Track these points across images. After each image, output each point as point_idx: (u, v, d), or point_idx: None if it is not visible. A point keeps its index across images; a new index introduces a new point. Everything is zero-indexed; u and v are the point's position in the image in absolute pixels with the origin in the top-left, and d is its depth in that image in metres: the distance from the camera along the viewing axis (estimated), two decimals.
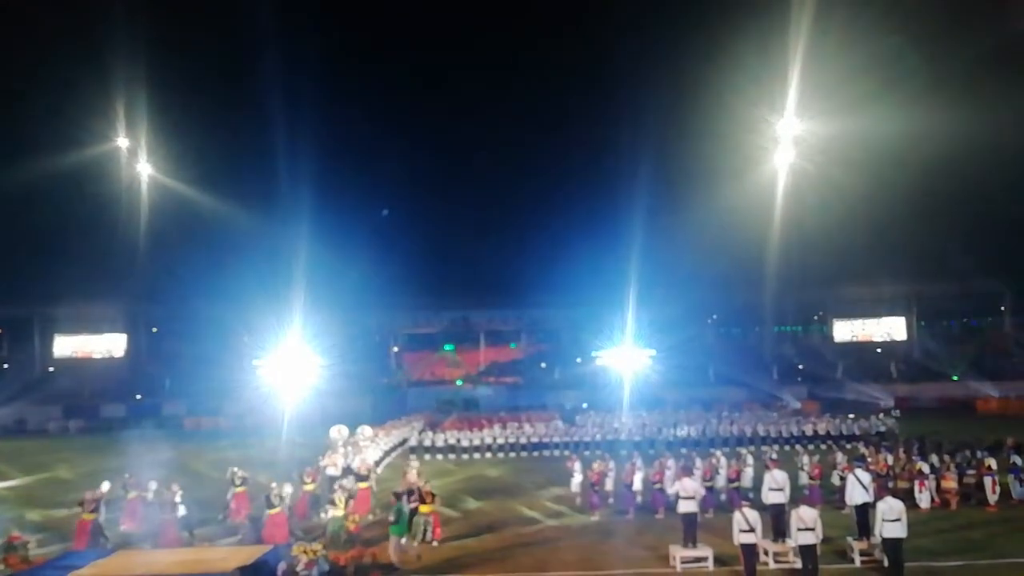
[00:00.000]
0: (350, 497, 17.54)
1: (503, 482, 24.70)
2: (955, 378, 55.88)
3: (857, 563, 13.65)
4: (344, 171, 64.79)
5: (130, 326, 69.74)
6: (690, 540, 14.09)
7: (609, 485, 19.38)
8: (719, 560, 13.69)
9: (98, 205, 56.96)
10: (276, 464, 24.02)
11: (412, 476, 18.63)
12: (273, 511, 15.85)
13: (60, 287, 59.16)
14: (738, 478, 18.91)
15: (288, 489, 17.85)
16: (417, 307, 69.74)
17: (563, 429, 33.63)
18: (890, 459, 20.06)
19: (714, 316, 72.29)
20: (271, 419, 39.42)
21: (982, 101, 42.88)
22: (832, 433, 31.53)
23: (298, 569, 12.76)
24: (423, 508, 16.17)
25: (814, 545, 12.27)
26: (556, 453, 30.82)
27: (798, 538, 12.33)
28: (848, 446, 28.31)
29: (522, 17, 66.96)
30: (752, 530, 12.28)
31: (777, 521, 14.43)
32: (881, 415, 34.61)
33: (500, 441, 32.04)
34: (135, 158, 59.18)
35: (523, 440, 32.13)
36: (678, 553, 13.85)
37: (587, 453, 27.70)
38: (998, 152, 46.31)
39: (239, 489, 18.35)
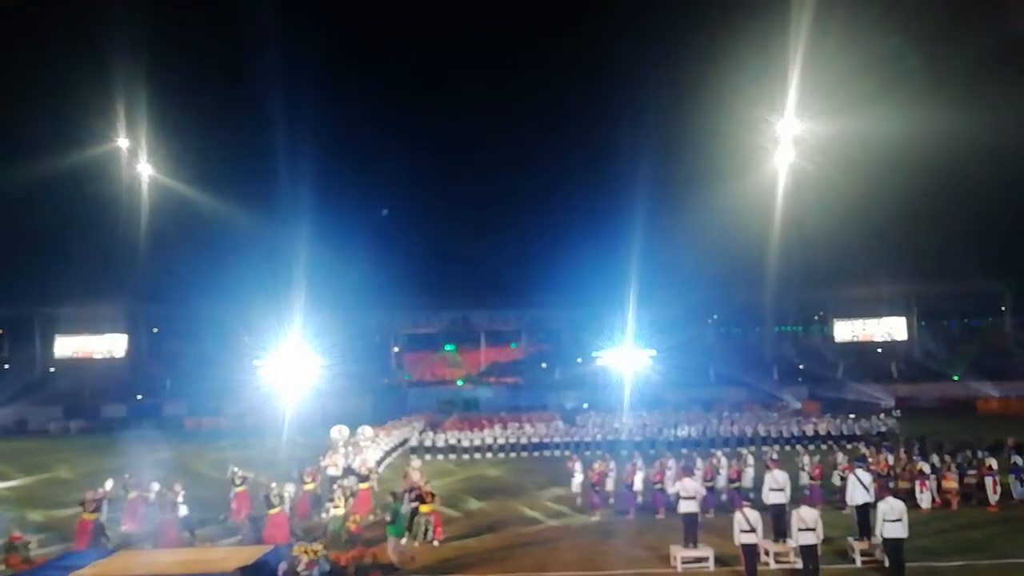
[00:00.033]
0: (351, 495, 17.55)
1: (504, 482, 24.70)
2: (956, 378, 55.86)
3: (858, 563, 13.64)
4: (344, 171, 64.94)
5: (131, 326, 69.77)
6: (691, 540, 14.09)
7: (610, 485, 19.36)
8: (720, 560, 13.68)
9: (99, 205, 57.03)
10: (276, 464, 24.02)
11: (415, 476, 18.65)
12: (273, 511, 15.85)
13: (61, 287, 59.21)
14: (739, 478, 18.90)
15: (289, 489, 17.87)
16: (417, 307, 69.77)
17: (564, 429, 33.63)
18: (891, 459, 20.05)
19: (714, 316, 72.31)
20: (272, 419, 39.43)
21: (982, 101, 42.91)
22: (833, 433, 31.53)
23: (299, 569, 12.76)
24: (423, 508, 16.18)
25: (815, 545, 12.27)
26: (557, 453, 30.82)
27: (799, 538, 12.33)
28: (849, 446, 28.35)
29: (522, 17, 67.06)
30: (753, 530, 12.28)
31: (778, 521, 14.43)
32: (882, 415, 34.60)
33: (501, 441, 32.04)
34: (135, 158, 59.23)
35: (524, 440, 32.14)
36: (679, 553, 13.84)
37: (588, 453, 27.69)
38: (998, 152, 46.33)
39: (239, 489, 18.36)
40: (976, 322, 69.83)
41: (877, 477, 16.59)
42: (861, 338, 68.88)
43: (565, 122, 69.36)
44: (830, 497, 18.76)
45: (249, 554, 13.31)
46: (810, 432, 31.56)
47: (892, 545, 12.36)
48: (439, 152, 76.44)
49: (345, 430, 28.38)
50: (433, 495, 16.58)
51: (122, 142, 57.91)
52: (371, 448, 25.67)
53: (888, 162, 46.99)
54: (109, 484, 18.32)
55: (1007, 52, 44.05)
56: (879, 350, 66.61)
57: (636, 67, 60.30)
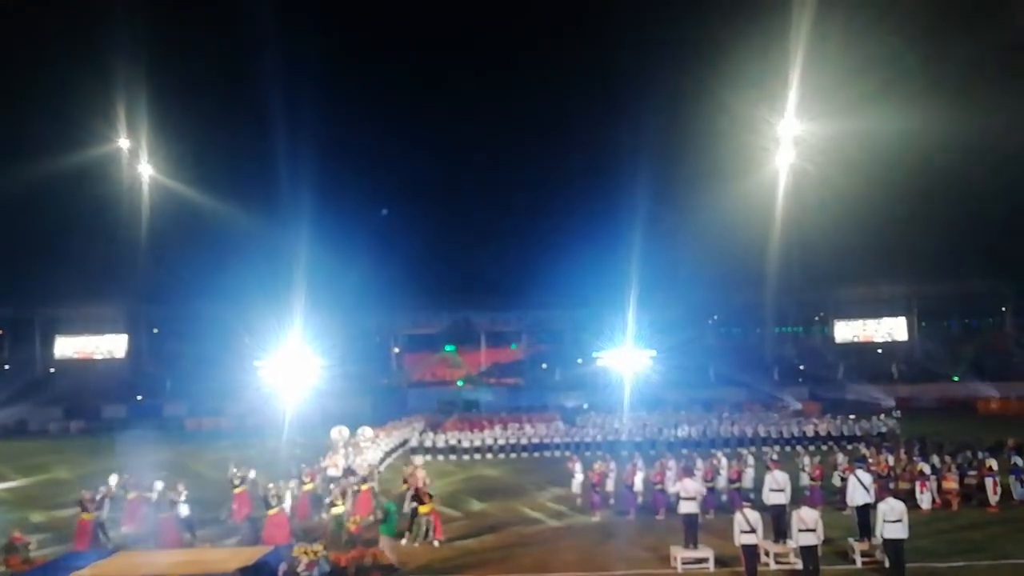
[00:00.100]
0: (355, 493, 17.54)
1: (504, 483, 24.70)
2: (956, 379, 55.81)
3: (858, 564, 13.64)
4: (345, 172, 64.88)
5: (131, 327, 69.78)
6: (691, 541, 14.09)
7: (610, 486, 19.36)
8: (720, 561, 13.68)
9: (99, 206, 57.06)
10: (276, 464, 24.01)
11: (420, 474, 18.72)
12: (272, 511, 15.85)
13: (61, 288, 59.24)
14: (739, 479, 18.90)
15: (292, 485, 17.91)
16: (418, 308, 69.74)
17: (564, 430, 33.61)
18: (891, 460, 20.04)
19: (715, 317, 72.29)
20: (272, 420, 39.43)
21: (981, 102, 42.92)
22: (833, 434, 31.51)
23: (299, 570, 12.77)
24: (422, 509, 16.19)
25: (815, 546, 12.27)
26: (557, 454, 30.80)
27: (799, 539, 12.33)
28: (849, 447, 28.30)
29: (522, 17, 67.04)
30: (753, 531, 12.27)
31: (778, 522, 14.43)
32: (882, 416, 34.56)
33: (501, 442, 32.03)
34: (136, 159, 59.26)
35: (524, 441, 32.13)
36: (679, 554, 13.84)
37: (588, 454, 27.67)
38: (998, 152, 46.32)
39: (239, 490, 18.35)
40: (976, 322, 69.80)
41: (877, 478, 16.59)
42: (861, 339, 68.87)
43: (565, 123, 69.34)
44: (830, 498, 18.74)
45: (249, 555, 13.32)
46: (810, 433, 31.53)
47: (892, 546, 12.35)
48: (439, 152, 76.44)
49: (345, 431, 28.39)
50: (431, 495, 16.59)
51: (123, 143, 57.95)
52: (371, 449, 25.70)
53: (888, 163, 47.01)
54: (113, 480, 18.35)
55: (1007, 52, 44.09)
56: (879, 351, 66.59)
57: (637, 68, 60.28)
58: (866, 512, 14.33)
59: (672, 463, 19.30)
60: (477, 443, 31.82)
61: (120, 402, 58.63)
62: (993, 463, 18.71)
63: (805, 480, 19.61)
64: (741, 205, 53.00)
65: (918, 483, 18.26)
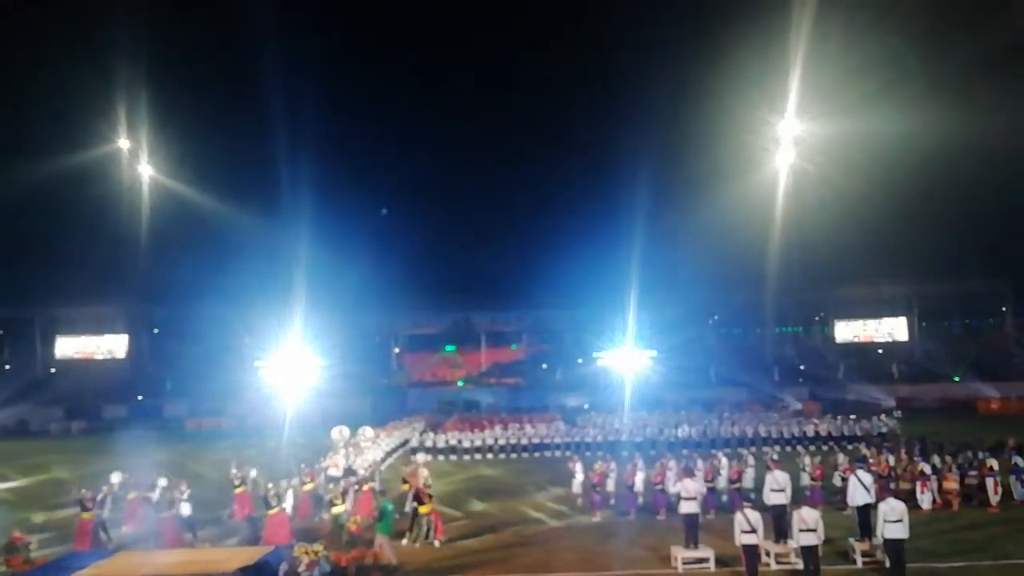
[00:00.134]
0: (356, 492, 17.54)
1: (504, 483, 24.70)
2: (956, 379, 55.77)
3: (859, 564, 13.64)
4: (345, 172, 64.93)
5: (132, 327, 69.76)
6: (692, 541, 14.10)
7: (610, 486, 19.37)
8: (720, 561, 13.69)
9: (99, 206, 57.04)
10: (277, 464, 24.02)
11: (424, 473, 18.77)
12: (272, 511, 15.85)
13: (62, 288, 59.24)
14: (739, 479, 18.89)
15: (291, 487, 17.91)
16: (418, 308, 69.72)
17: (564, 430, 33.61)
18: (892, 460, 20.04)
19: (715, 317, 72.25)
20: (272, 420, 39.43)
21: (981, 102, 42.91)
22: (833, 434, 31.50)
23: (299, 570, 12.77)
24: (422, 509, 16.20)
25: (816, 546, 12.28)
26: (557, 454, 30.80)
27: (800, 539, 12.34)
28: (850, 447, 28.29)
29: (522, 18, 67.06)
30: (754, 531, 12.28)
31: (779, 522, 14.43)
32: (882, 416, 34.55)
33: (501, 442, 32.04)
34: (136, 159, 59.30)
35: (524, 441, 32.14)
36: (680, 554, 13.85)
37: (588, 454, 27.67)
38: (998, 152, 46.29)
39: (239, 490, 18.35)
40: (977, 323, 69.79)
41: (878, 478, 16.59)
42: (862, 339, 68.83)
43: (565, 123, 69.34)
44: (831, 498, 18.74)
45: (250, 555, 13.32)
46: (811, 433, 31.52)
47: (893, 546, 12.36)
48: (439, 152, 76.46)
49: (346, 431, 28.40)
50: (430, 495, 16.60)
51: (123, 143, 58.02)
52: (372, 449, 25.70)
53: (888, 163, 47.01)
54: (116, 477, 18.35)
55: (1007, 52, 44.09)
56: (880, 351, 66.56)
57: (637, 68, 60.31)
58: (867, 512, 14.34)
59: (672, 463, 19.30)
60: (477, 443, 31.83)
61: (121, 402, 58.61)
62: (994, 463, 18.71)
63: (806, 480, 19.62)
64: (741, 205, 53.02)
65: (919, 483, 18.26)
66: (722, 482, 19.08)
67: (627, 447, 28.50)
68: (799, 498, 15.27)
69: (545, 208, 73.73)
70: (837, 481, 19.24)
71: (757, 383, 54.56)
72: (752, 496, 17.83)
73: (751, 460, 20.21)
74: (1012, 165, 47.73)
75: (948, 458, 19.73)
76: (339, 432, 28.16)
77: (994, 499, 18.11)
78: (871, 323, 68.87)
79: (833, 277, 62.58)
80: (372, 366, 66.75)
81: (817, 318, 72.27)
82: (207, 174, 57.72)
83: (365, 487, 18.74)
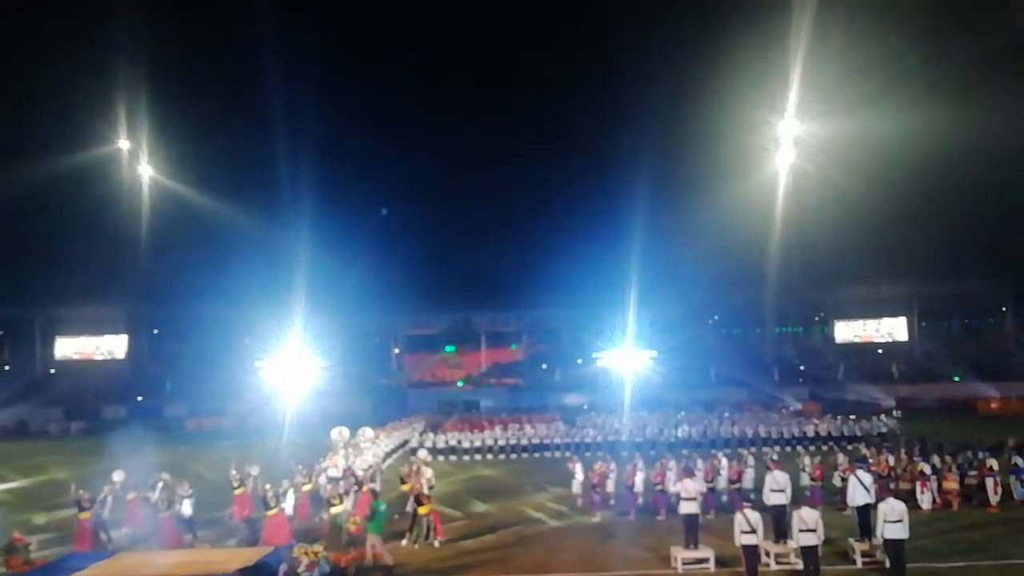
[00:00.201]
0: (356, 493, 17.53)
1: (504, 483, 24.70)
2: (956, 379, 55.79)
3: (859, 564, 13.63)
4: (345, 173, 64.88)
5: (131, 327, 69.78)
6: (691, 541, 14.09)
7: (610, 486, 19.36)
8: (720, 561, 13.68)
9: (99, 207, 57.05)
10: (277, 465, 24.00)
11: (428, 473, 18.78)
12: (271, 512, 15.84)
13: (62, 288, 59.26)
14: (739, 479, 18.88)
15: (292, 487, 17.89)
16: (418, 308, 69.75)
17: (564, 430, 33.60)
18: (891, 460, 20.03)
19: (715, 317, 72.28)
20: (272, 420, 39.42)
21: (981, 102, 42.92)
22: (833, 434, 31.50)
23: (299, 570, 12.76)
24: (421, 510, 16.20)
25: (815, 546, 12.27)
26: (557, 454, 30.77)
27: (799, 539, 12.33)
28: (849, 447, 28.29)
29: (523, 18, 67.07)
30: (753, 531, 12.27)
31: (778, 522, 14.42)
32: (882, 416, 34.56)
33: (501, 443, 32.04)
34: (136, 160, 59.29)
35: (524, 441, 32.13)
36: (679, 554, 13.84)
37: (588, 454, 27.65)
38: (998, 152, 46.30)
39: (239, 490, 18.32)
40: (976, 323, 69.81)
41: (878, 478, 16.59)
42: (862, 339, 68.86)
43: (565, 123, 69.38)
44: (831, 498, 18.73)
45: (250, 555, 13.32)
46: (811, 433, 31.52)
47: (893, 546, 12.35)
48: (440, 152, 76.47)
49: (345, 431, 28.37)
50: (428, 496, 16.61)
51: (123, 143, 58.01)
52: (371, 449, 25.68)
53: (888, 163, 47.02)
54: (118, 476, 18.32)
55: (1006, 52, 44.10)
56: (880, 351, 66.57)
57: (637, 68, 60.28)
58: (866, 512, 14.33)
59: (672, 463, 19.28)
60: (477, 444, 31.82)
61: (120, 403, 58.62)
62: (994, 463, 18.70)
63: (805, 480, 19.61)
64: (741, 205, 53.02)
65: (919, 483, 18.25)
66: (722, 482, 19.07)
67: (627, 447, 28.49)
68: (799, 498, 15.26)
69: (545, 208, 73.84)
70: (837, 481, 19.23)
71: (757, 383, 54.59)
72: (752, 496, 17.82)
73: (751, 460, 20.20)
74: (1012, 165, 47.75)
75: (948, 458, 19.72)
76: (339, 433, 28.13)
77: (994, 499, 18.10)
78: (871, 323, 68.89)
79: (833, 277, 62.61)
80: (372, 367, 66.77)
81: (817, 318, 72.29)
82: (207, 174, 57.79)
83: (364, 488, 18.74)
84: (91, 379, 63.29)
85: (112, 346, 69.95)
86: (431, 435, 32.60)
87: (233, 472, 18.69)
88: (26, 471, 30.42)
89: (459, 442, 31.81)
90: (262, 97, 55.78)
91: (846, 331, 69.56)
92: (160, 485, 18.10)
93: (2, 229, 55.49)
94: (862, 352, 66.21)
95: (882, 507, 12.49)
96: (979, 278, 62.32)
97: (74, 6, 54.47)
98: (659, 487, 18.28)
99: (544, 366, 68.80)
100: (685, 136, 51.91)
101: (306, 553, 12.90)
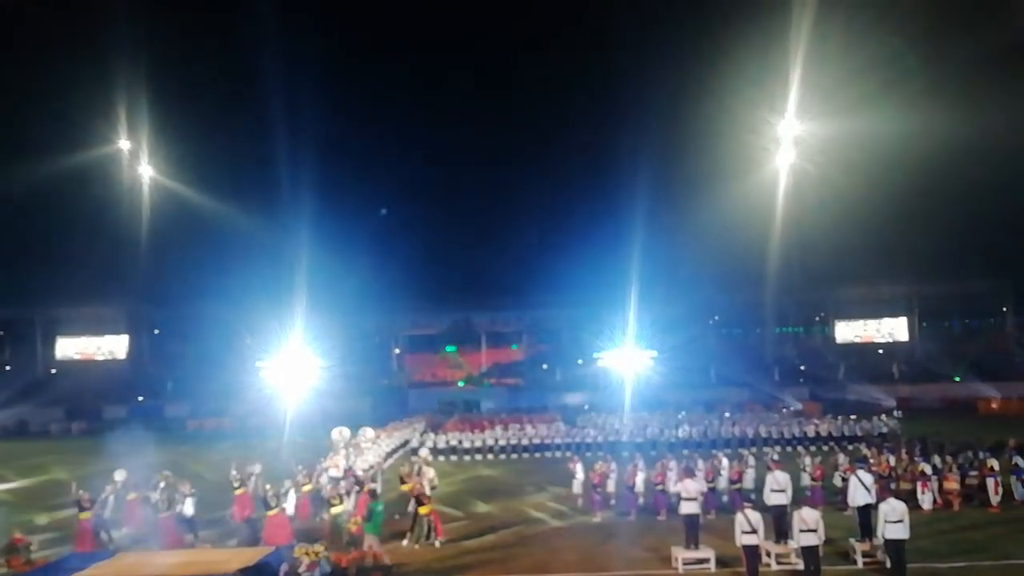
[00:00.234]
0: (357, 493, 17.53)
1: (505, 483, 24.69)
2: (957, 379, 55.79)
3: (859, 564, 13.63)
4: (345, 173, 64.95)
5: (132, 328, 69.82)
6: (692, 541, 14.09)
7: (611, 486, 19.34)
8: (721, 561, 13.68)
9: (100, 207, 57.14)
10: (277, 465, 24.01)
11: (431, 473, 18.78)
12: (271, 512, 15.84)
13: (62, 288, 59.31)
14: (740, 479, 18.88)
15: (294, 486, 17.87)
16: (418, 308, 69.79)
17: (565, 430, 33.59)
18: (892, 460, 20.02)
19: (716, 317, 72.28)
20: (273, 420, 39.42)
21: (981, 101, 42.94)
22: (834, 434, 31.49)
23: (300, 570, 12.77)
24: (422, 510, 16.21)
25: (816, 546, 12.27)
26: (558, 454, 30.77)
27: (800, 539, 12.33)
28: (850, 447, 28.29)
29: (523, 18, 67.11)
30: (754, 531, 12.27)
31: (779, 522, 14.42)
32: (883, 416, 34.53)
33: (502, 443, 32.03)
34: (137, 160, 59.33)
35: (525, 441, 32.13)
36: (680, 554, 13.84)
37: (589, 454, 27.64)
38: (998, 152, 46.33)
39: (239, 491, 18.32)
40: (977, 323, 69.79)
41: (878, 478, 16.59)
42: (862, 339, 68.87)
43: (565, 123, 69.45)
44: (831, 498, 18.73)
45: (250, 555, 13.32)
46: (811, 433, 31.51)
47: (893, 546, 12.35)
48: (440, 152, 76.56)
49: (346, 432, 28.35)
50: (428, 496, 16.62)
51: (123, 144, 58.05)
52: (372, 450, 25.68)
53: (888, 163, 47.05)
54: (120, 475, 18.31)
55: (1006, 52, 44.11)
56: (880, 351, 66.58)
57: (637, 68, 60.36)
58: (867, 512, 14.33)
59: (673, 464, 19.28)
60: (478, 444, 31.81)
61: (121, 403, 58.65)
62: (994, 463, 18.70)
63: (806, 480, 19.59)
64: (741, 205, 53.04)
65: (919, 483, 18.24)
66: (723, 482, 19.07)
67: (628, 447, 28.50)
68: (800, 498, 15.27)
69: (545, 208, 73.85)
70: (838, 481, 19.22)
71: (758, 383, 54.59)
72: (753, 496, 17.77)
73: (752, 460, 20.19)
74: (1012, 165, 47.77)
75: (949, 458, 19.72)
76: (339, 433, 28.12)
77: (995, 499, 18.10)
78: (871, 323, 68.90)
79: (833, 277, 62.63)
80: (372, 367, 66.80)
81: (817, 318, 72.30)
82: (207, 175, 57.85)
83: (365, 488, 18.74)
84: (92, 379, 63.32)
85: (113, 346, 69.99)
86: (432, 435, 32.59)
87: (234, 472, 18.68)
88: (27, 471, 30.43)
89: (460, 442, 31.80)
90: (262, 97, 55.88)
91: (846, 331, 69.56)
92: (162, 484, 18.10)
93: (2, 229, 55.58)
94: (863, 352, 66.21)
95: (883, 507, 12.49)
96: (979, 278, 62.34)
97: (74, 6, 54.54)
98: (660, 487, 18.28)
99: (544, 366, 68.81)
100: (685, 136, 51.99)
101: (307, 553, 12.91)
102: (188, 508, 16.47)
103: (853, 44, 44.22)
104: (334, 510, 16.44)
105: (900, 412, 39.52)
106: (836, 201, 49.46)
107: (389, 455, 28.89)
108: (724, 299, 67.16)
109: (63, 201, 56.13)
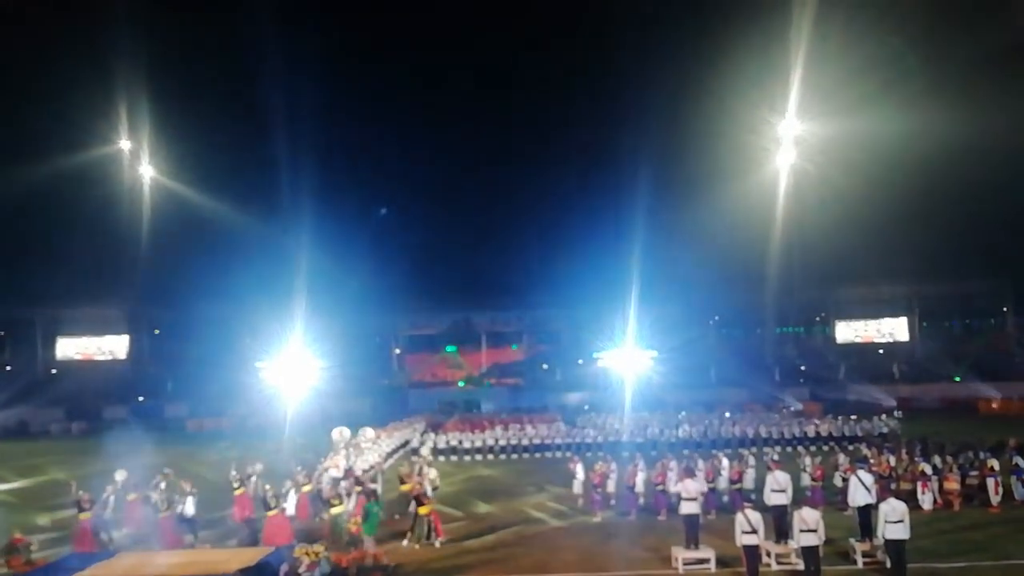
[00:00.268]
0: (357, 493, 17.53)
1: (505, 483, 24.69)
2: (957, 379, 55.80)
3: (859, 564, 13.63)
4: (345, 173, 64.98)
5: (133, 328, 69.83)
6: (692, 541, 14.09)
7: (611, 486, 19.34)
8: (721, 561, 13.68)
9: (101, 207, 57.11)
10: (277, 465, 24.00)
11: (433, 474, 18.76)
12: (271, 512, 15.84)
13: (63, 289, 59.33)
14: (740, 479, 18.88)
15: (294, 487, 17.86)
16: (418, 309, 69.83)
17: (565, 431, 33.60)
18: (892, 460, 20.02)
19: (716, 317, 72.29)
20: (273, 421, 39.42)
21: (981, 102, 42.94)
22: (834, 434, 31.50)
23: (300, 570, 12.77)
24: (422, 510, 16.21)
25: (816, 546, 12.26)
26: (558, 455, 30.77)
27: (800, 539, 12.33)
28: (850, 447, 28.28)
29: (523, 18, 67.08)
30: (754, 531, 12.27)
31: (779, 522, 14.42)
32: (883, 416, 34.52)
33: (502, 443, 32.04)
34: (137, 160, 59.34)
35: (525, 442, 32.14)
36: (680, 554, 13.84)
37: (589, 454, 27.64)
38: (998, 152, 46.33)
39: (239, 491, 18.32)
40: (977, 323, 69.80)
41: (879, 478, 16.60)
42: (862, 339, 68.88)
43: (565, 123, 69.46)
44: (832, 498, 18.73)
45: (251, 555, 13.32)
46: (811, 433, 31.52)
47: (894, 546, 12.35)
48: (440, 152, 76.54)
49: (346, 432, 28.37)
50: (428, 496, 16.62)
51: (124, 144, 58.06)
52: (372, 450, 25.67)
53: (889, 163, 47.04)
54: (120, 475, 18.30)
55: (1006, 52, 44.10)
56: (880, 351, 66.59)
57: (638, 68, 60.32)
58: (867, 512, 14.33)
59: (673, 464, 19.28)
60: (478, 444, 31.82)
61: (121, 403, 58.69)
62: (995, 463, 18.69)
63: (806, 480, 19.59)
64: (741, 205, 53.06)
65: (919, 483, 18.24)
66: (723, 483, 19.07)
67: (628, 447, 28.47)
68: (800, 498, 15.26)
69: (545, 208, 73.79)
70: (838, 481, 19.22)
71: (758, 384, 54.59)
72: (753, 496, 17.79)
73: (752, 460, 20.19)
74: (1012, 165, 47.76)
75: (949, 458, 19.71)
76: (340, 433, 28.14)
77: (995, 499, 18.09)
78: (872, 323, 68.91)
79: (833, 277, 62.63)
80: (372, 367, 66.80)
81: (818, 318, 72.30)
82: (207, 175, 57.87)
83: (362, 487, 18.74)
84: (92, 379, 63.33)
85: (113, 346, 70.01)
86: (432, 435, 32.60)
87: (233, 472, 18.68)
88: (27, 471, 30.43)
89: (460, 442, 31.80)
90: (262, 97, 55.96)
91: (847, 331, 69.56)
92: (163, 483, 18.10)
93: (3, 229, 55.57)
94: (863, 352, 66.21)
95: (883, 507, 12.49)
96: (979, 278, 62.36)
97: (74, 6, 54.55)
98: (660, 487, 18.29)
99: (545, 366, 68.81)
100: (685, 136, 51.99)
101: (307, 553, 12.92)
102: (189, 508, 16.46)
103: (853, 44, 44.24)
104: (334, 510, 16.43)
105: (900, 412, 39.51)
106: (836, 201, 49.51)
107: (389, 455, 28.87)
108: (724, 299, 67.16)
109: (63, 201, 56.17)
